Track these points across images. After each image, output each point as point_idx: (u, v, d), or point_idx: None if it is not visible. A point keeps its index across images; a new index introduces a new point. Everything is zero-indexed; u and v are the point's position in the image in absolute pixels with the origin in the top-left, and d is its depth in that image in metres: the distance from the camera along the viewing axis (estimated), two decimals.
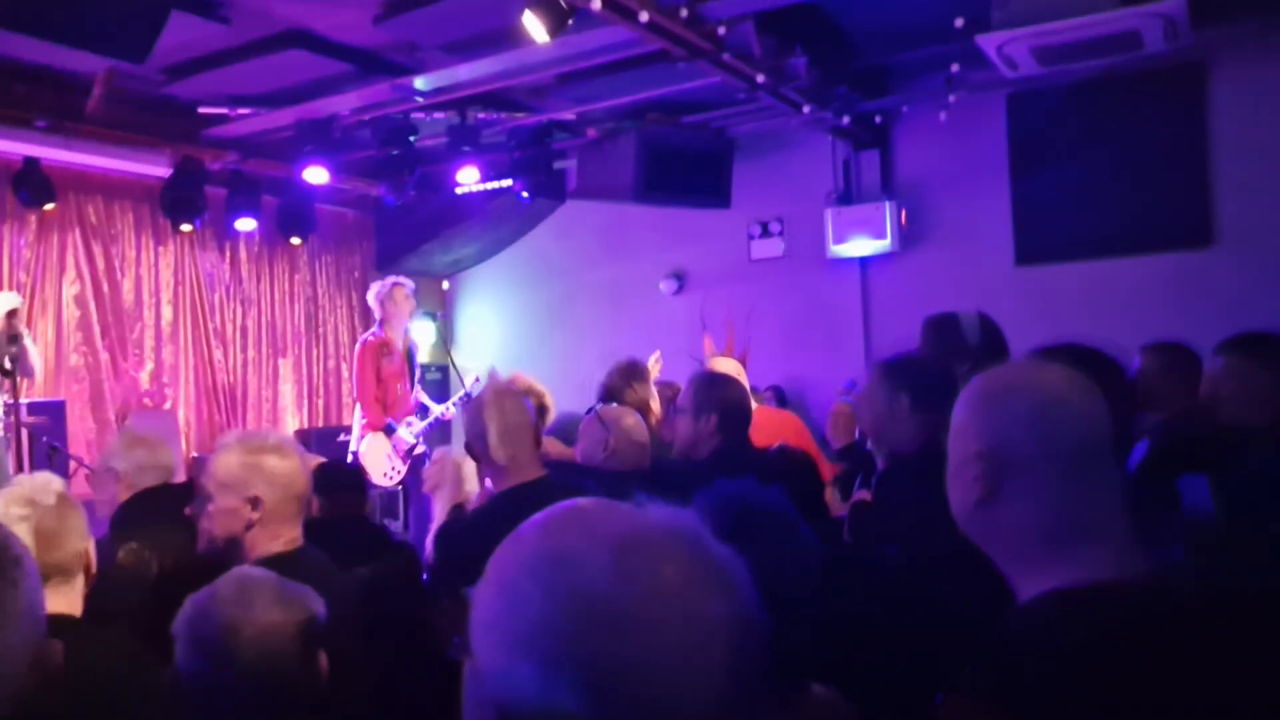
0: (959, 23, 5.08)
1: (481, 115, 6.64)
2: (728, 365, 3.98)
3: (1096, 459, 1.17)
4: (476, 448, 2.74)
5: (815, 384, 7.25)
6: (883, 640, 1.67)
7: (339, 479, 3.40)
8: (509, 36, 5.04)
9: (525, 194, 7.17)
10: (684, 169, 6.96)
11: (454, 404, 6.56)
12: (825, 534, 2.03)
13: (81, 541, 2.03)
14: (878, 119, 7.19)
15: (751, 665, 0.74)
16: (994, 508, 1.19)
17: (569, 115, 6.83)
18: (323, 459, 3.73)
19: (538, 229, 8.83)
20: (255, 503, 2.23)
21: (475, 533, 2.61)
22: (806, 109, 6.41)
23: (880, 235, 7.21)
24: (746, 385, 3.55)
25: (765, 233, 7.95)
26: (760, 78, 5.78)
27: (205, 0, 5.03)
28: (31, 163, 6.44)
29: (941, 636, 1.45)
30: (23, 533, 1.81)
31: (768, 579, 0.81)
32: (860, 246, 7.29)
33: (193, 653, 1.40)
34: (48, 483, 2.09)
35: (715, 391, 3.17)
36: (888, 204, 7.19)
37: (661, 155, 6.74)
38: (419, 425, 6.44)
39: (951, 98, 6.30)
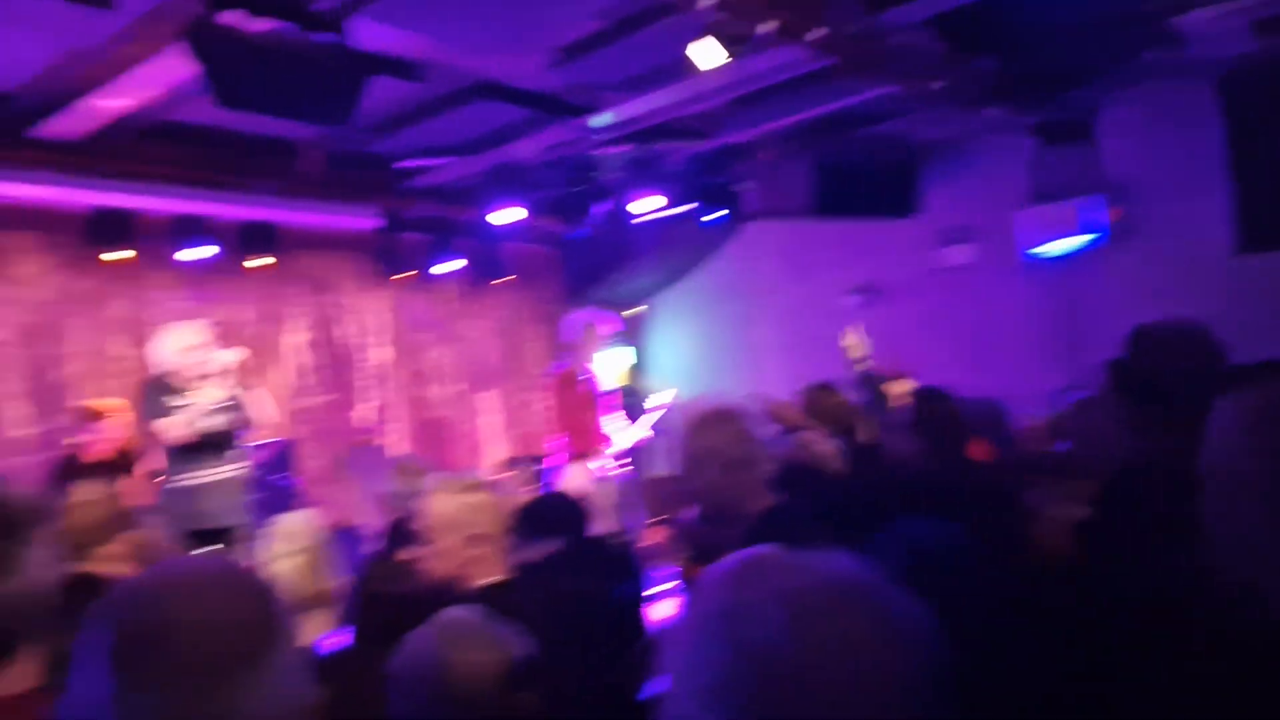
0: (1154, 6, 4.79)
1: (658, 146, 6.79)
2: (901, 387, 3.86)
3: None
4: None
5: (1013, 397, 6.93)
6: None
7: (558, 510, 3.45)
8: (680, 68, 5.15)
9: (704, 219, 7.26)
10: (863, 182, 6.85)
11: (648, 428, 6.72)
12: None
13: (334, 577, 2.19)
14: (1072, 113, 6.83)
15: (930, 710, 0.73)
16: None
17: (743, 138, 6.87)
18: (534, 493, 3.75)
19: (720, 251, 8.91)
20: (476, 540, 2.36)
21: None
22: (993, 110, 6.18)
23: (1081, 233, 6.83)
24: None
25: (956, 239, 7.70)
26: (939, 84, 5.63)
27: (401, 63, 5.39)
28: (260, 225, 7.10)
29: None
30: (290, 568, 1.99)
31: (951, 626, 0.79)
32: (1059, 246, 6.93)
33: (406, 688, 1.51)
34: (307, 522, 2.29)
35: (929, 408, 3.05)
36: (1088, 200, 6.80)
37: (838, 170, 6.67)
38: (616, 449, 6.62)
39: (1153, 84, 5.92)
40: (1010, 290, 7.33)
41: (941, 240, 7.71)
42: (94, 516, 2.66)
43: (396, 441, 8.12)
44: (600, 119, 6.01)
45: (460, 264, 8.07)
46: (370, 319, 8.12)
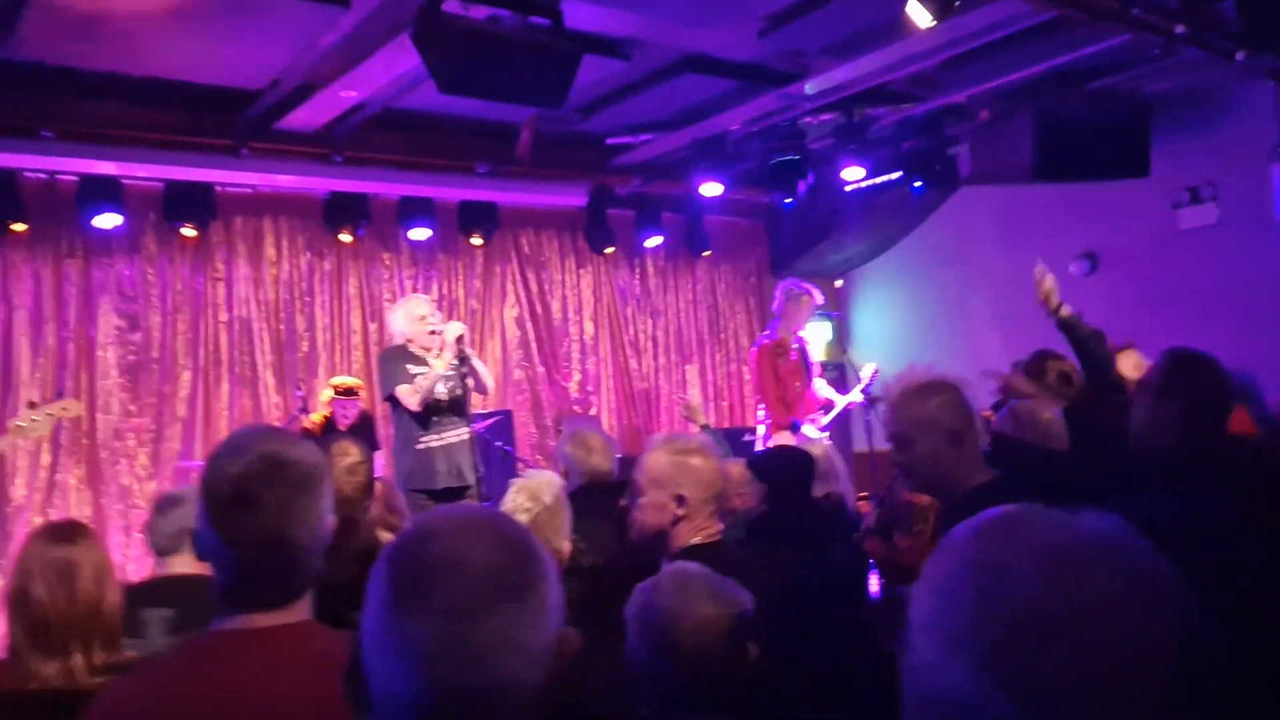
0: None
1: (867, 111, 6.62)
2: (1128, 359, 3.60)
3: None
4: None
5: (1264, 370, 6.35)
6: None
7: (787, 468, 3.43)
8: (890, 29, 4.99)
9: (916, 185, 7.03)
10: (1089, 141, 6.43)
11: (860, 393, 6.67)
12: None
13: (566, 540, 2.30)
14: None
15: (1186, 684, 0.71)
16: None
17: (958, 99, 6.59)
18: (750, 456, 3.72)
19: (930, 220, 8.61)
20: (680, 499, 2.43)
21: None
22: (1239, 56, 5.65)
23: None
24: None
25: (1195, 199, 7.11)
26: (1179, 28, 5.20)
27: (611, 42, 5.50)
28: (477, 205, 7.46)
29: None
30: (528, 523, 2.10)
31: (1210, 596, 0.76)
32: None
33: (639, 639, 1.58)
34: (549, 483, 2.42)
35: (1186, 373, 2.75)
36: None
37: (1062, 129, 6.28)
38: (824, 419, 6.59)
39: None
40: (1258, 254, 6.70)
41: (1176, 201, 7.14)
42: (351, 477, 2.91)
43: (604, 412, 8.36)
44: (809, 86, 5.92)
45: (659, 240, 8.21)
46: (578, 293, 8.37)
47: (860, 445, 8.21)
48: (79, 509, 6.20)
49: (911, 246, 8.84)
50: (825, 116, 6.63)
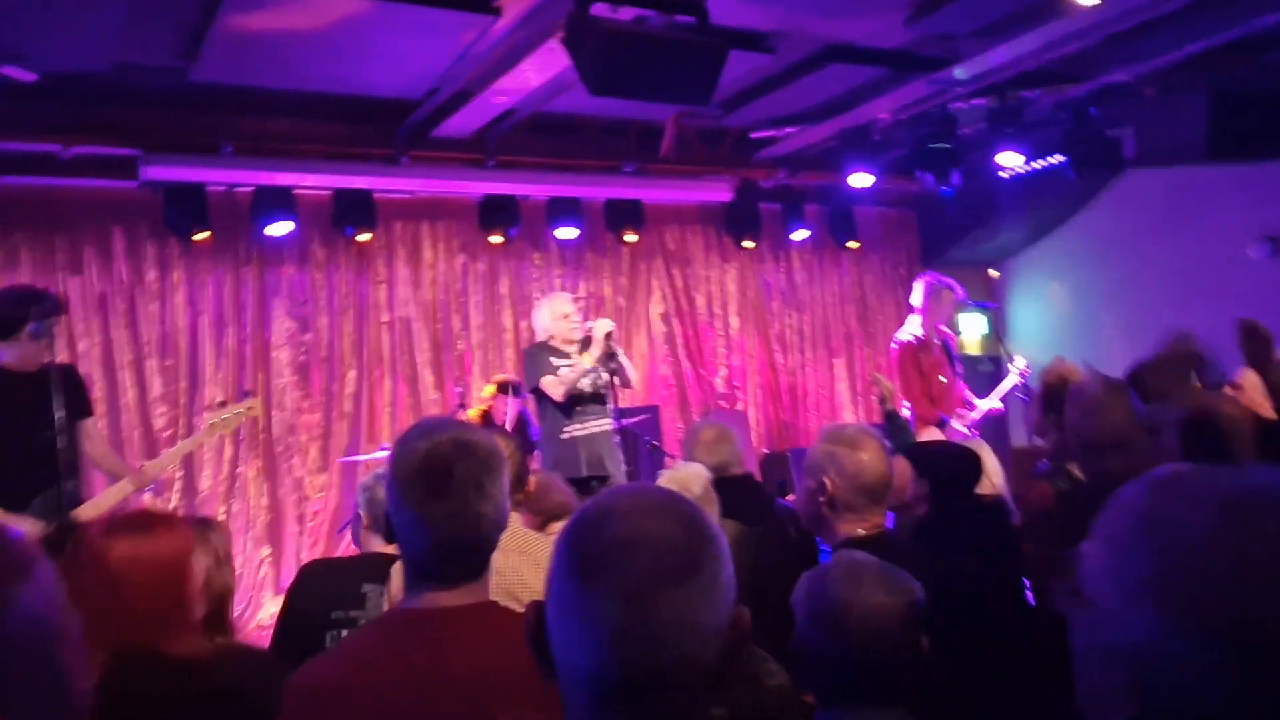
0: None
1: (1023, 94, 6.38)
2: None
3: None
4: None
5: None
6: None
7: (949, 464, 3.34)
8: (1046, 7, 4.80)
9: (1075, 169, 6.73)
10: (1267, 116, 6.02)
11: (1008, 393, 6.44)
12: None
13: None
14: None
15: None
16: None
17: (1122, 77, 6.27)
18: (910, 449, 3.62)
19: (1091, 205, 8.22)
20: (822, 488, 2.43)
21: None
22: None
23: None
24: None
25: None
26: None
27: (756, 35, 5.49)
28: (623, 203, 7.57)
29: None
30: None
31: None
32: None
33: (809, 625, 1.59)
34: (698, 474, 2.48)
35: None
36: None
37: (1237, 104, 5.91)
38: (970, 416, 6.38)
39: None
40: None
41: None
42: (514, 467, 3.02)
43: (750, 407, 8.34)
44: (960, 70, 5.75)
45: (806, 233, 8.15)
46: (723, 288, 8.38)
47: (1019, 441, 7.93)
48: (257, 500, 6.62)
49: (1072, 233, 8.47)
50: (978, 101, 6.42)
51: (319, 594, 2.66)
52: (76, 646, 0.67)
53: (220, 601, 2.25)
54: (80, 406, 4.04)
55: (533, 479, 3.18)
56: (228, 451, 6.57)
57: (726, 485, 3.38)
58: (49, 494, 3.55)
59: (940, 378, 6.43)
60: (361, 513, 2.99)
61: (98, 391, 6.14)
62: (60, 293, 5.88)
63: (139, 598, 1.80)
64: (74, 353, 6.09)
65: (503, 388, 6.17)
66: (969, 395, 6.58)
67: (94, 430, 4.17)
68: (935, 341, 6.48)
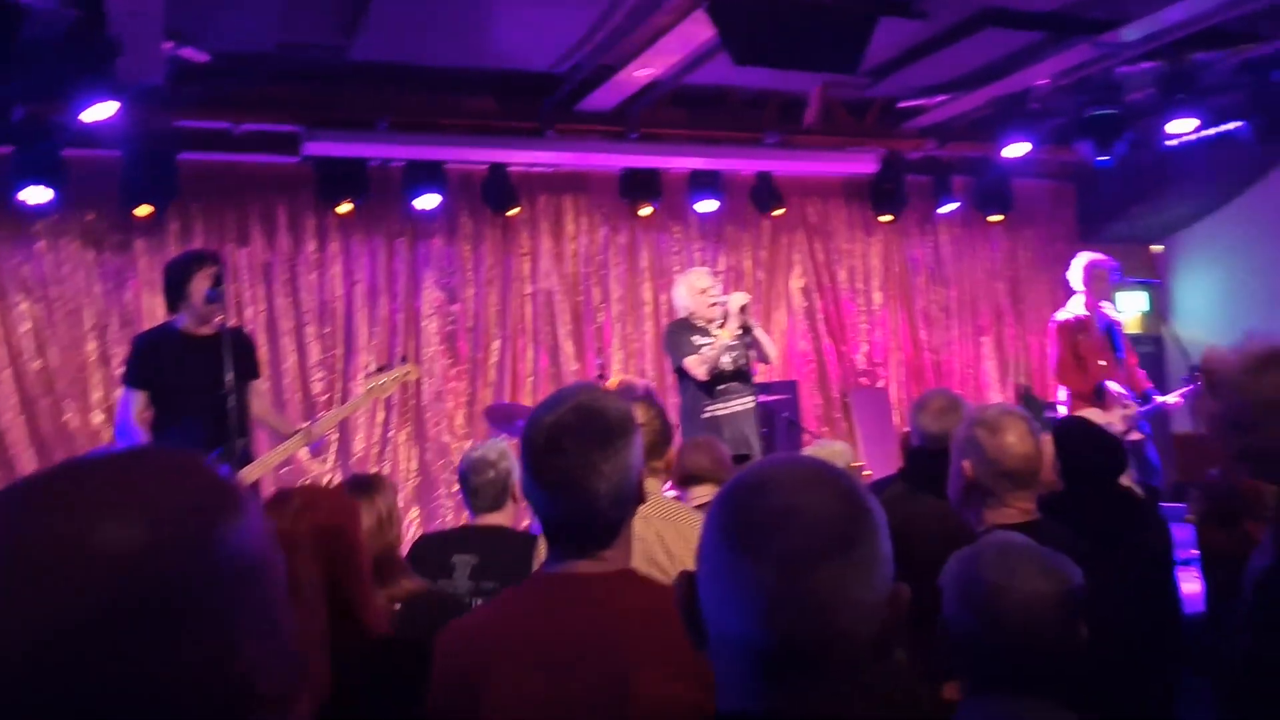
0: None
1: (1198, 55, 5.96)
2: None
3: None
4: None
5: None
6: None
7: (1083, 443, 3.21)
8: None
9: (1256, 136, 6.27)
10: None
11: (1180, 395, 6.10)
12: None
13: None
14: None
15: None
16: None
17: None
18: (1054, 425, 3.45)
19: (1269, 177, 7.64)
20: (961, 473, 2.37)
21: None
22: None
23: None
24: None
25: None
26: None
27: (905, 1, 5.31)
28: (764, 176, 7.48)
29: None
30: None
31: None
32: None
33: (960, 607, 1.54)
34: (841, 452, 2.47)
35: None
36: None
37: None
38: (1134, 409, 6.03)
39: None
40: None
41: None
42: (648, 435, 3.06)
43: (892, 385, 8.15)
44: (1128, 32, 5.42)
45: (955, 206, 7.87)
46: (866, 263, 8.19)
47: (1181, 427, 7.51)
48: (406, 463, 6.90)
49: (1248, 205, 7.89)
50: (1146, 65, 6.04)
51: (421, 568, 2.77)
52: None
53: (386, 556, 2.37)
54: (249, 368, 4.30)
55: (671, 452, 3.21)
56: (379, 416, 6.85)
57: (938, 458, 3.26)
58: (224, 451, 3.79)
59: (1100, 361, 6.14)
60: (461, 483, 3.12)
61: (262, 355, 6.50)
62: (230, 261, 6.26)
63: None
64: (241, 318, 6.46)
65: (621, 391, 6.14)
66: (1147, 386, 6.26)
67: (262, 390, 4.43)
68: (1098, 324, 6.19)
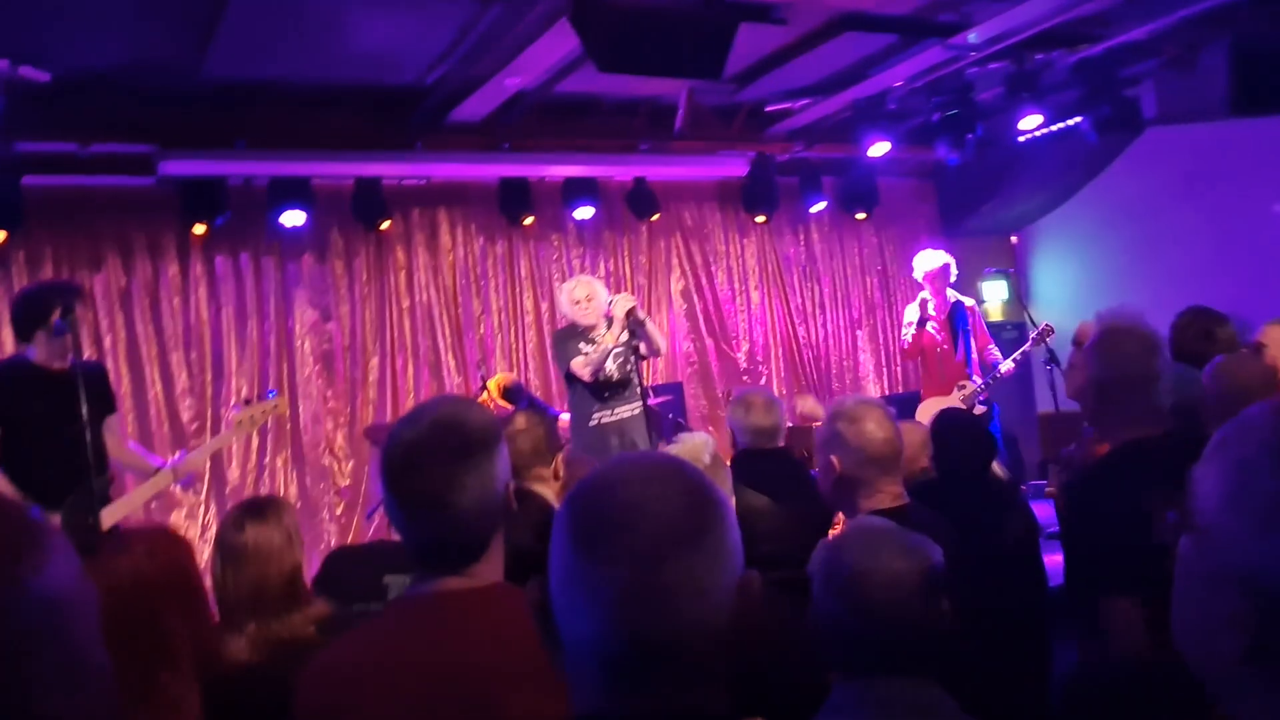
0: None
1: (1039, 56, 6.29)
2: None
3: None
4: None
5: None
6: None
7: (955, 433, 3.33)
8: None
9: (1095, 131, 6.65)
10: None
11: (1014, 360, 6.49)
12: None
13: (729, 497, 2.36)
14: None
15: None
16: None
17: (1139, 35, 6.17)
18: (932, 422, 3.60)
19: (1111, 168, 8.10)
20: (831, 467, 2.43)
21: None
22: None
23: None
24: None
25: None
26: None
27: (762, 7, 5.44)
28: (639, 181, 7.54)
29: None
30: None
31: None
32: None
33: (826, 594, 1.58)
34: (706, 443, 2.49)
35: None
36: None
37: (1261, 59, 5.79)
38: (970, 387, 6.44)
39: None
40: None
41: None
42: (529, 442, 3.04)
43: (774, 381, 8.32)
44: (974, 35, 5.68)
45: (823, 205, 8.12)
46: (743, 263, 8.35)
47: (1044, 406, 7.88)
48: (286, 489, 6.68)
49: (1092, 197, 8.36)
50: (993, 65, 6.34)
51: (342, 587, 2.63)
52: (95, 624, 0.67)
53: (292, 577, 2.30)
54: (105, 403, 4.07)
55: (559, 460, 3.18)
56: (254, 442, 6.63)
57: (763, 457, 3.36)
58: (81, 492, 3.58)
59: (938, 350, 6.57)
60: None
61: (124, 386, 6.22)
62: (85, 288, 5.95)
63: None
64: (99, 349, 6.16)
65: (505, 394, 6.08)
66: (994, 360, 6.59)
67: (116, 427, 4.19)
68: (940, 314, 6.60)
